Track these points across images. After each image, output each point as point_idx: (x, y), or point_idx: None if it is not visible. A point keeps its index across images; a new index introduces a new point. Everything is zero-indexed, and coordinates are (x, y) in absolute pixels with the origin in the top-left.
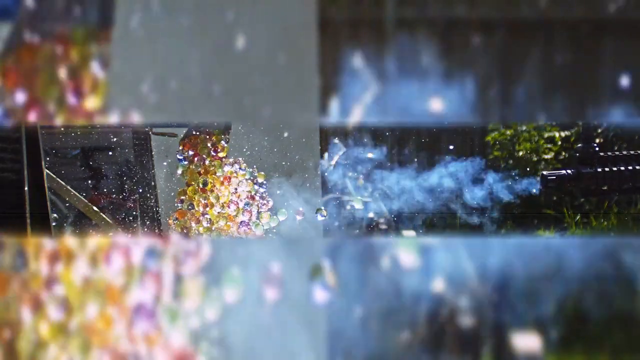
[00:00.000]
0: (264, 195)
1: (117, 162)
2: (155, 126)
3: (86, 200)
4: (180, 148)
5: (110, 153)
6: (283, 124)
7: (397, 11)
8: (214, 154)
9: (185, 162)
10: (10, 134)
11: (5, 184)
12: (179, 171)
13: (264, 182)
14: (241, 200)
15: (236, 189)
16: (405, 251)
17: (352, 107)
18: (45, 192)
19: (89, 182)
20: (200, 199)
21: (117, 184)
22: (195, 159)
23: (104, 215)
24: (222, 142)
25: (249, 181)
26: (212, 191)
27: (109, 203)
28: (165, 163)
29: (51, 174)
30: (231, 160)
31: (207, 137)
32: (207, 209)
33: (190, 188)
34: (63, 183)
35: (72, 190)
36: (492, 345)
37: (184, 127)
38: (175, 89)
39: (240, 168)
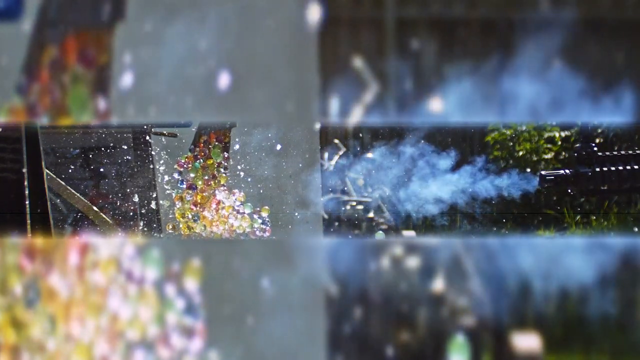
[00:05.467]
0: (265, 230)
1: (117, 162)
2: (156, 126)
3: (86, 200)
4: (187, 158)
5: (111, 153)
6: (283, 124)
7: (397, 11)
8: (217, 174)
9: (183, 186)
10: (10, 134)
11: (5, 184)
12: (174, 194)
13: (267, 217)
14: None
15: (233, 224)
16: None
17: (352, 107)
18: (45, 192)
19: (89, 182)
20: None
21: (117, 184)
22: (194, 185)
23: (104, 215)
24: (222, 169)
25: (247, 216)
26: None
27: (109, 203)
28: (164, 165)
29: (51, 174)
30: (224, 188)
31: (219, 138)
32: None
33: (183, 225)
34: (63, 183)
35: (72, 190)
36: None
37: (184, 126)
38: (174, 89)
39: (236, 202)
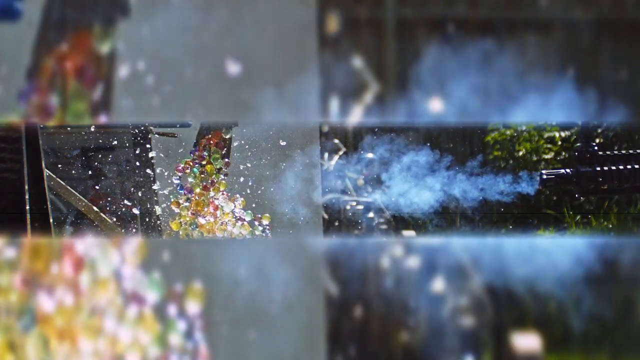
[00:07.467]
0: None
1: (117, 162)
2: (156, 126)
3: (86, 200)
4: (190, 160)
5: (111, 153)
6: (283, 124)
7: (397, 11)
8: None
9: (183, 191)
10: (10, 134)
11: (5, 184)
12: (171, 199)
13: (267, 225)
14: None
15: (232, 232)
16: None
17: (352, 107)
18: (45, 192)
19: (89, 182)
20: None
21: (117, 184)
22: (194, 191)
23: (104, 215)
24: (222, 174)
25: (246, 224)
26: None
27: (109, 203)
28: (161, 162)
29: (51, 174)
30: (223, 193)
31: (219, 143)
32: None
33: (182, 232)
34: (63, 183)
35: (72, 190)
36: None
37: (183, 126)
38: (174, 90)
39: (236, 208)
